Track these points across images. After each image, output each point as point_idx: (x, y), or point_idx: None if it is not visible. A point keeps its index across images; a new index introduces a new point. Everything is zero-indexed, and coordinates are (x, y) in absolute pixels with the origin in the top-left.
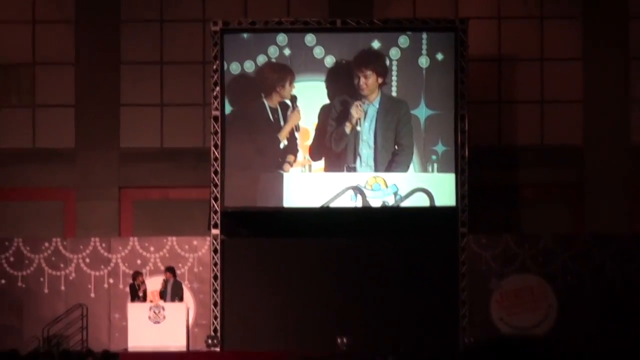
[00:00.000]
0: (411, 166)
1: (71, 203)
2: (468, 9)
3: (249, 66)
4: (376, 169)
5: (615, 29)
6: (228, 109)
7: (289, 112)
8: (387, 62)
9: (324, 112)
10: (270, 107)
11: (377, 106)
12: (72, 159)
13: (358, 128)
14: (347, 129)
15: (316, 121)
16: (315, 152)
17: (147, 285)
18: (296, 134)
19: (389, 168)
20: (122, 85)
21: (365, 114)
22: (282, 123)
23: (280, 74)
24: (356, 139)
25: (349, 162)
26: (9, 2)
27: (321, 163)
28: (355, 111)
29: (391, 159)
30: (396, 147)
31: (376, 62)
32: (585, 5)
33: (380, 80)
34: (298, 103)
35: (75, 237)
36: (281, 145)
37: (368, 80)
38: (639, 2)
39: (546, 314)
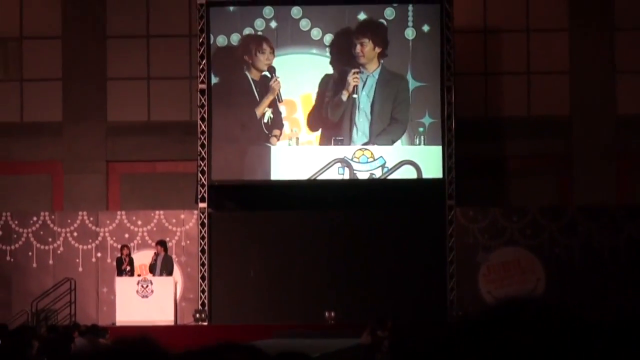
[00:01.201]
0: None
1: (59, 176)
2: None
3: (236, 39)
4: (370, 139)
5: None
6: (213, 81)
7: (270, 83)
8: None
9: (323, 82)
10: (253, 80)
11: (377, 77)
12: (60, 132)
13: (354, 96)
14: (344, 96)
15: (303, 93)
16: (313, 122)
17: (136, 259)
18: (279, 106)
19: (379, 139)
20: (109, 58)
21: (364, 83)
22: (265, 95)
23: (259, 45)
24: (353, 107)
25: (345, 132)
26: None
27: (312, 136)
28: (352, 78)
29: (383, 129)
30: (391, 120)
31: (374, 31)
32: None
33: (378, 50)
34: (283, 74)
35: (62, 211)
36: (265, 119)
37: (365, 48)
38: None
39: (534, 286)
